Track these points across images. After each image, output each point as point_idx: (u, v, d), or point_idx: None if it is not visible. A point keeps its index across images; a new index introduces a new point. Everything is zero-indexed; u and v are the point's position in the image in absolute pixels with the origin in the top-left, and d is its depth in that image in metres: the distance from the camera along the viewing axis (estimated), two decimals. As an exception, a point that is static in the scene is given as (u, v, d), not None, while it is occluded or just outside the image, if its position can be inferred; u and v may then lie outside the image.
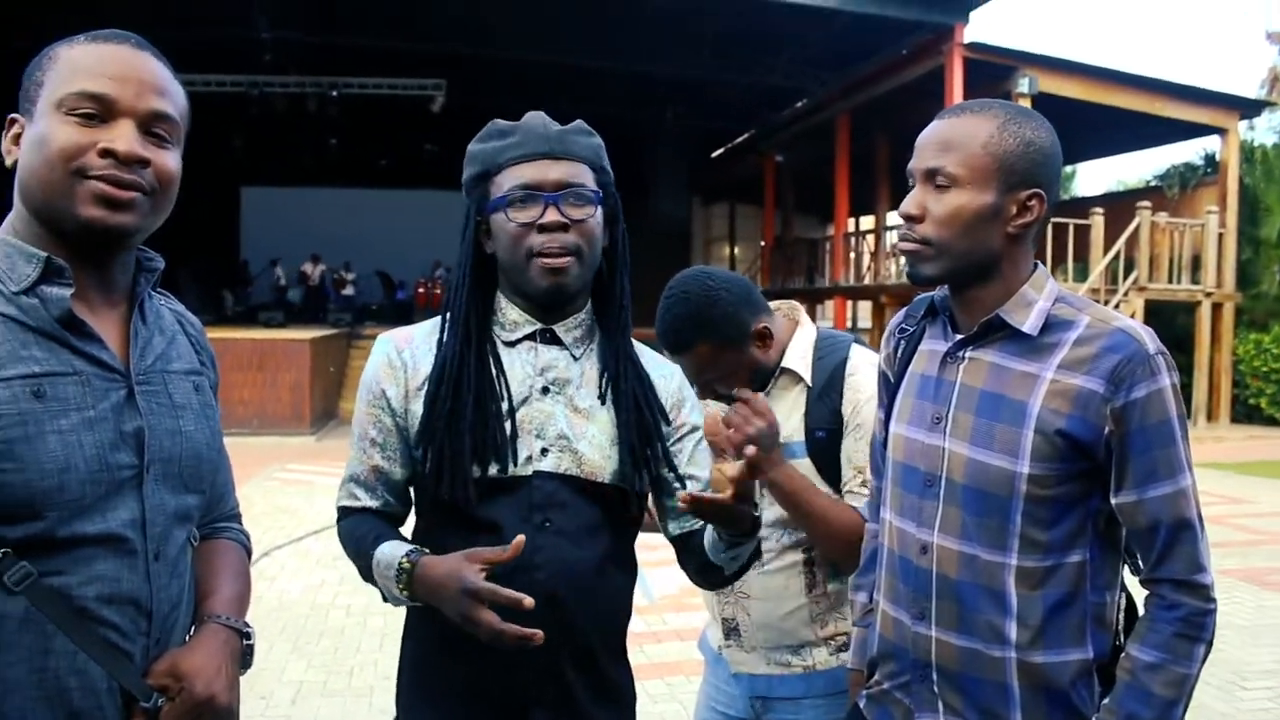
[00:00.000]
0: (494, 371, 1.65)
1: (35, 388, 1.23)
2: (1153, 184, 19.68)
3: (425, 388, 1.66)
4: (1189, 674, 1.45)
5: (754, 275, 23.86)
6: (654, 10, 15.24)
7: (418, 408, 1.66)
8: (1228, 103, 16.29)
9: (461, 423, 1.60)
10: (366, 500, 1.70)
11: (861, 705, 1.74)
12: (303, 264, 23.69)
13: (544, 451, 1.63)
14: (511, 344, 1.69)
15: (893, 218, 19.93)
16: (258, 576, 1.61)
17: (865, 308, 22.73)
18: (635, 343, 1.77)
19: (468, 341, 1.65)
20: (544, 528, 1.60)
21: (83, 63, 1.30)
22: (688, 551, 1.77)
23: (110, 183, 1.27)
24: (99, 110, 1.28)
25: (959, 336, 1.61)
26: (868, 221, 21.94)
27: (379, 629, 5.50)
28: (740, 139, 23.17)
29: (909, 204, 1.57)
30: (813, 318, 2.23)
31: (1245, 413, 15.79)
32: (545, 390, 1.66)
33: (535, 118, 1.70)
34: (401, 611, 1.72)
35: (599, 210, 1.67)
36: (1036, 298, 1.56)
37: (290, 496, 9.42)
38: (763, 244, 25.14)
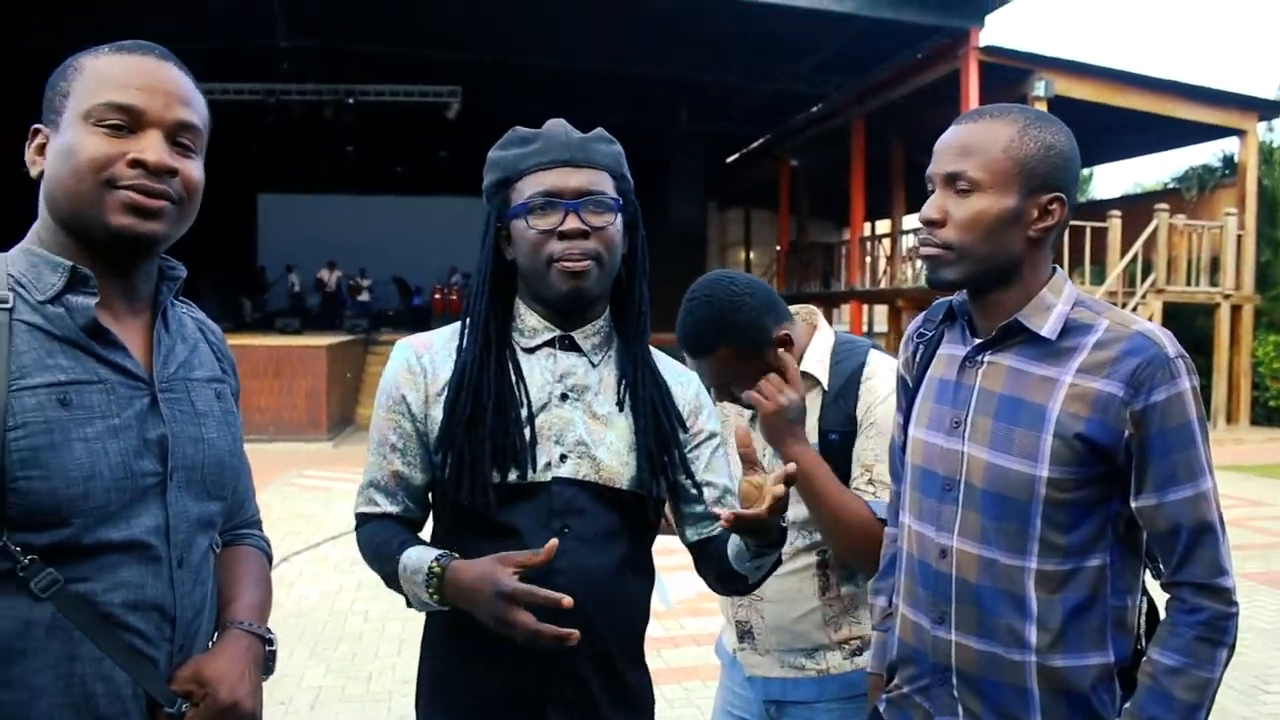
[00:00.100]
0: (513, 378, 1.66)
1: (61, 396, 1.24)
2: (1170, 186, 19.56)
3: (445, 393, 1.66)
4: (1211, 678, 1.45)
5: (769, 280, 23.77)
6: (670, 16, 15.25)
7: (437, 413, 1.66)
8: (1246, 104, 16.18)
9: (481, 428, 1.61)
10: (386, 506, 1.70)
11: (881, 709, 1.74)
12: (319, 271, 23.79)
13: (563, 458, 1.64)
14: (530, 350, 1.69)
15: (909, 222, 19.90)
16: (276, 582, 1.62)
17: (881, 312, 22.67)
18: (652, 349, 1.77)
19: (488, 347, 1.66)
20: (563, 533, 1.60)
21: (109, 74, 1.31)
22: (705, 557, 1.78)
23: (141, 192, 1.29)
24: (127, 121, 1.30)
25: (977, 341, 1.61)
26: (883, 226, 21.89)
27: (397, 634, 5.52)
28: (756, 144, 23.15)
29: (930, 209, 1.57)
30: (828, 322, 2.22)
31: (1265, 415, 15.66)
32: (564, 397, 1.67)
33: (556, 125, 1.71)
34: (420, 617, 1.73)
35: (619, 218, 1.67)
36: (1055, 301, 1.56)
37: (307, 503, 9.44)
38: (778, 249, 25.11)
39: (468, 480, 1.61)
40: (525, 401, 1.65)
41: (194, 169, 1.36)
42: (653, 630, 1.79)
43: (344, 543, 7.40)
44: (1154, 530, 1.49)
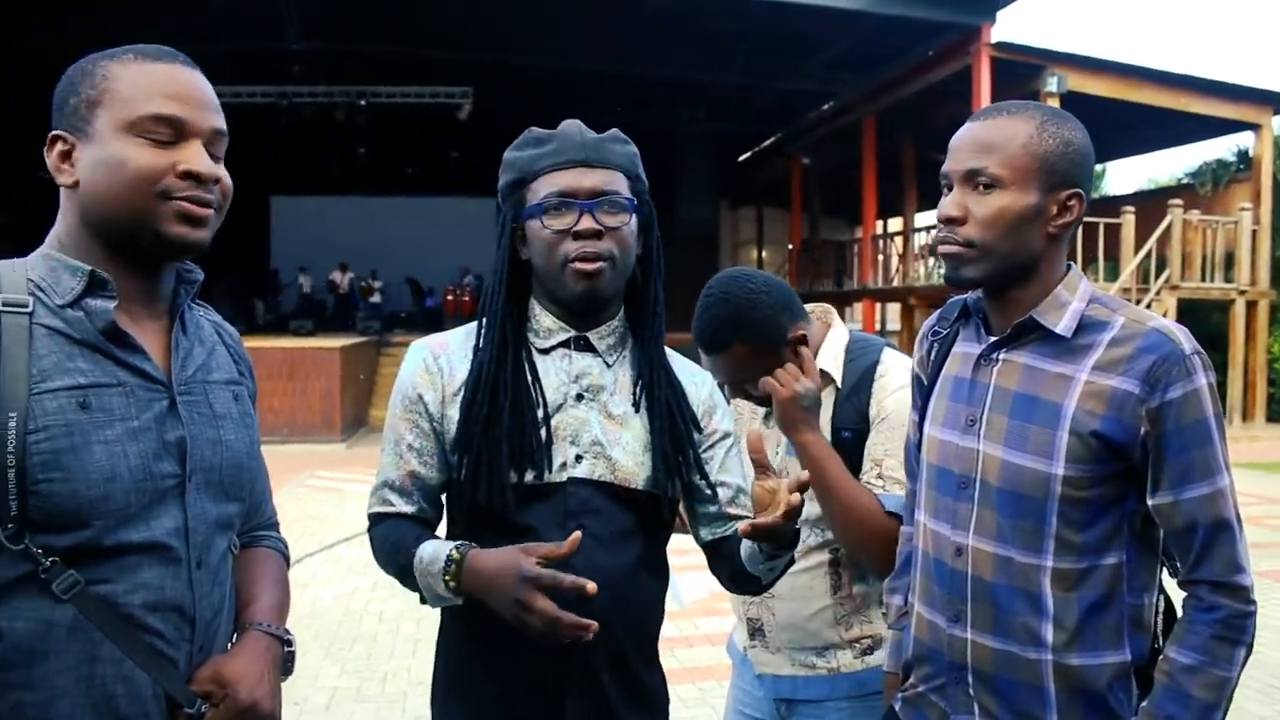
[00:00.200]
0: (529, 378, 1.67)
1: (81, 399, 1.25)
2: (1185, 181, 19.47)
3: (461, 394, 1.67)
4: (1229, 677, 1.44)
5: (782, 278, 23.76)
6: (680, 16, 15.25)
7: (454, 413, 1.67)
8: (1261, 98, 16.06)
9: (499, 428, 1.62)
10: (401, 505, 1.71)
11: (897, 708, 1.74)
12: (331, 272, 23.85)
13: (578, 458, 1.64)
14: (545, 351, 1.70)
15: (921, 219, 19.87)
16: (290, 584, 1.63)
17: (894, 310, 22.62)
18: (667, 349, 1.78)
19: (504, 347, 1.67)
20: None
21: (147, 84, 1.32)
22: (719, 558, 1.78)
23: (194, 202, 1.32)
24: (171, 133, 1.32)
25: (992, 339, 1.61)
26: (895, 223, 21.84)
27: (411, 635, 5.53)
28: (767, 143, 23.12)
29: (949, 206, 1.56)
30: (841, 321, 2.22)
31: (1281, 411, 15.59)
32: (579, 397, 1.67)
33: (572, 126, 1.71)
34: (434, 618, 1.73)
35: (633, 218, 1.68)
36: (1070, 299, 1.55)
37: (321, 504, 9.48)
38: (790, 247, 25.08)
39: (485, 480, 1.61)
40: (541, 402, 1.65)
41: (227, 175, 1.39)
42: (667, 630, 1.80)
43: (358, 544, 7.42)
44: (1170, 528, 1.48)
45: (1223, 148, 21.34)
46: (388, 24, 16.08)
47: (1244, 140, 17.52)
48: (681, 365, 1.82)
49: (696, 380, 1.82)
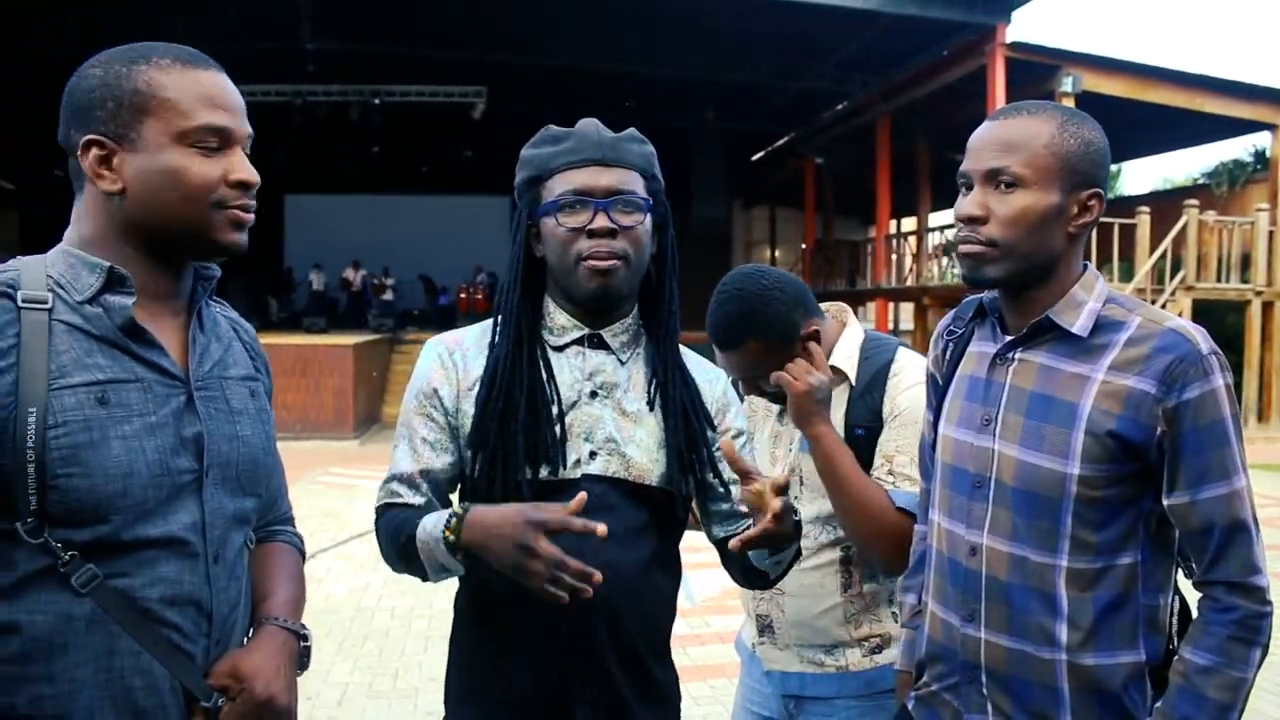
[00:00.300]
0: (544, 375, 1.67)
1: (100, 395, 1.26)
2: (1201, 182, 19.37)
3: (476, 388, 1.68)
4: (1244, 678, 1.44)
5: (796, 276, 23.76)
6: (694, 16, 15.25)
7: (469, 407, 1.68)
8: (1278, 98, 15.97)
9: (514, 424, 1.62)
10: (410, 498, 1.69)
11: (910, 707, 1.74)
12: (344, 270, 23.92)
13: (592, 455, 1.65)
14: (560, 349, 1.70)
15: (935, 219, 19.81)
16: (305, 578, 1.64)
17: (907, 310, 22.60)
18: (681, 347, 1.78)
19: (519, 343, 1.67)
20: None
21: (196, 93, 1.33)
22: (731, 554, 1.78)
23: (244, 210, 1.36)
24: (219, 141, 1.34)
25: (1008, 338, 1.61)
26: (909, 223, 21.79)
27: (423, 631, 5.55)
28: (780, 142, 23.11)
29: (971, 205, 1.55)
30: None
31: (1297, 413, 15.48)
32: (594, 394, 1.68)
33: (589, 124, 1.72)
34: (447, 615, 1.73)
35: (648, 218, 1.68)
36: (1086, 299, 1.55)
37: (334, 500, 9.52)
38: (803, 247, 25.05)
39: (500, 476, 1.62)
40: (556, 399, 1.66)
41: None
42: (678, 628, 1.80)
43: (370, 540, 7.41)
44: (1186, 528, 1.48)
45: (1239, 148, 21.26)
46: (402, 23, 16.13)
47: (1261, 140, 17.45)
48: (695, 362, 1.82)
49: (710, 377, 1.82)
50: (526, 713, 1.64)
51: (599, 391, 1.68)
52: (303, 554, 1.65)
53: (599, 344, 1.71)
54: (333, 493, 9.95)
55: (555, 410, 1.65)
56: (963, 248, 1.57)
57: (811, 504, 2.06)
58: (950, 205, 1.61)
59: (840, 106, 19.73)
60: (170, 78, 1.32)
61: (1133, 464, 1.48)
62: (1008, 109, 1.58)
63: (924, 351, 1.96)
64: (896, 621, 2.05)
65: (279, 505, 1.63)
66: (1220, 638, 1.44)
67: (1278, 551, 7.31)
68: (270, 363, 1.61)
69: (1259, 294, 14.81)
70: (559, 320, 1.71)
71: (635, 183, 1.67)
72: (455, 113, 18.38)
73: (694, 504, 1.79)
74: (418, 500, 1.70)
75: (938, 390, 1.75)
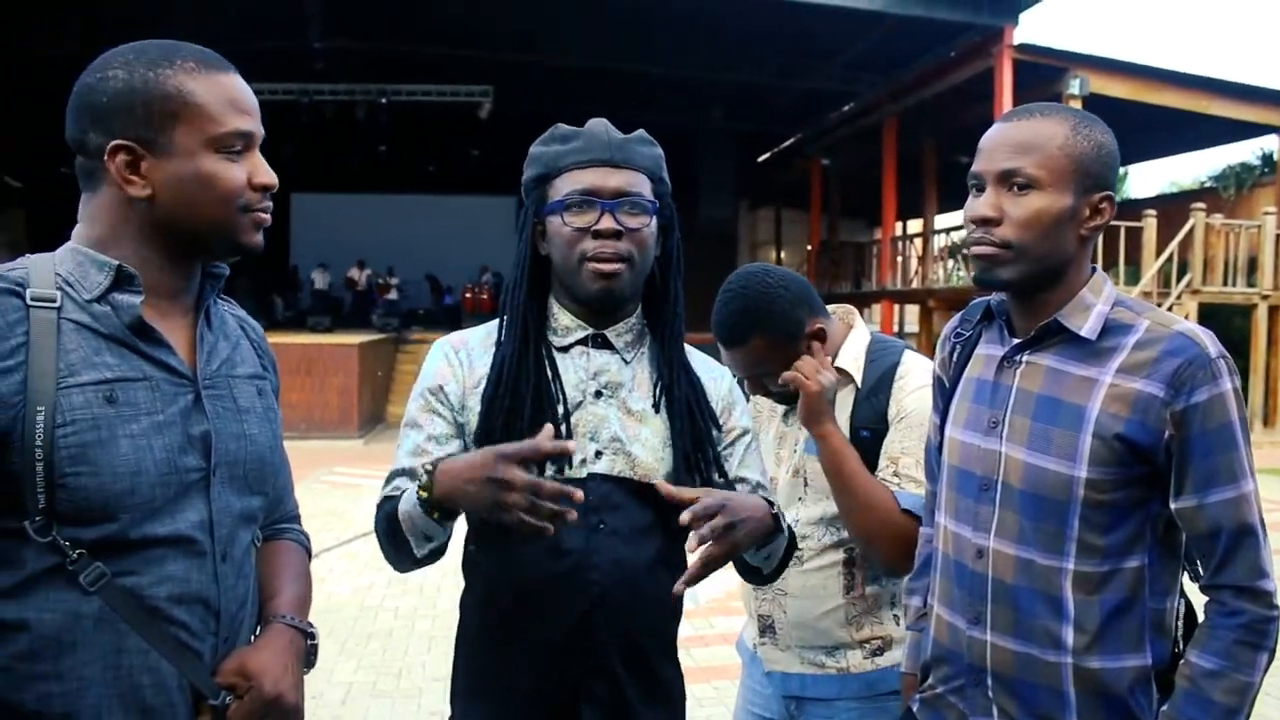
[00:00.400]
0: (550, 374, 1.67)
1: (108, 393, 1.26)
2: (1207, 185, 19.33)
3: (482, 386, 1.68)
4: (1251, 682, 1.43)
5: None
6: (700, 15, 15.25)
7: (475, 403, 1.68)
8: (1285, 101, 15.95)
9: (520, 422, 1.62)
10: None
11: (915, 709, 1.73)
12: (349, 269, 23.93)
13: (598, 454, 1.65)
14: (564, 349, 1.71)
15: (941, 221, 19.77)
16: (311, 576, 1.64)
17: (912, 312, 22.56)
18: (685, 346, 1.78)
19: (525, 342, 1.68)
20: (598, 529, 1.62)
21: (223, 98, 1.34)
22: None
23: (265, 212, 1.38)
24: (243, 145, 1.36)
25: (1016, 341, 1.60)
26: (915, 225, 21.76)
27: (426, 631, 5.55)
28: (787, 143, 23.08)
29: (984, 206, 1.54)
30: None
31: (1304, 418, 15.43)
32: (598, 394, 1.68)
33: (598, 124, 1.72)
34: (450, 614, 1.73)
35: (654, 220, 1.69)
36: (1095, 301, 1.55)
37: (338, 499, 9.52)
38: (809, 248, 25.04)
39: None
40: (561, 398, 1.66)
41: None
42: (682, 629, 1.80)
43: (374, 540, 7.44)
44: (1194, 532, 1.48)
45: (1246, 151, 21.17)
46: (409, 23, 16.14)
47: (1268, 144, 17.41)
48: (700, 361, 1.82)
49: (715, 376, 1.82)
50: (532, 711, 1.64)
51: (604, 391, 1.69)
52: (309, 552, 1.66)
53: (603, 344, 1.71)
54: (337, 492, 9.95)
55: (561, 410, 1.65)
56: (975, 249, 1.56)
57: (816, 505, 2.06)
58: (956, 207, 1.61)
59: (847, 107, 19.70)
60: (198, 83, 1.33)
61: (1140, 467, 1.47)
62: (1020, 110, 1.58)
63: (929, 354, 1.96)
64: (898, 624, 2.05)
65: (285, 503, 1.64)
66: (1227, 642, 1.44)
67: (1283, 556, 7.32)
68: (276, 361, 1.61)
69: (1265, 298, 14.75)
70: (563, 321, 1.72)
71: (643, 185, 1.68)
72: (462, 112, 18.39)
73: None
74: None
75: (944, 392, 1.75)
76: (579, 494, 1.40)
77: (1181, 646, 1.55)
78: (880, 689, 2.03)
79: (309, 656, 1.48)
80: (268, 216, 1.40)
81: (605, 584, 1.60)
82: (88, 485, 1.23)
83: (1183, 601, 1.59)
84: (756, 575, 1.78)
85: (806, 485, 2.08)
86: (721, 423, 1.78)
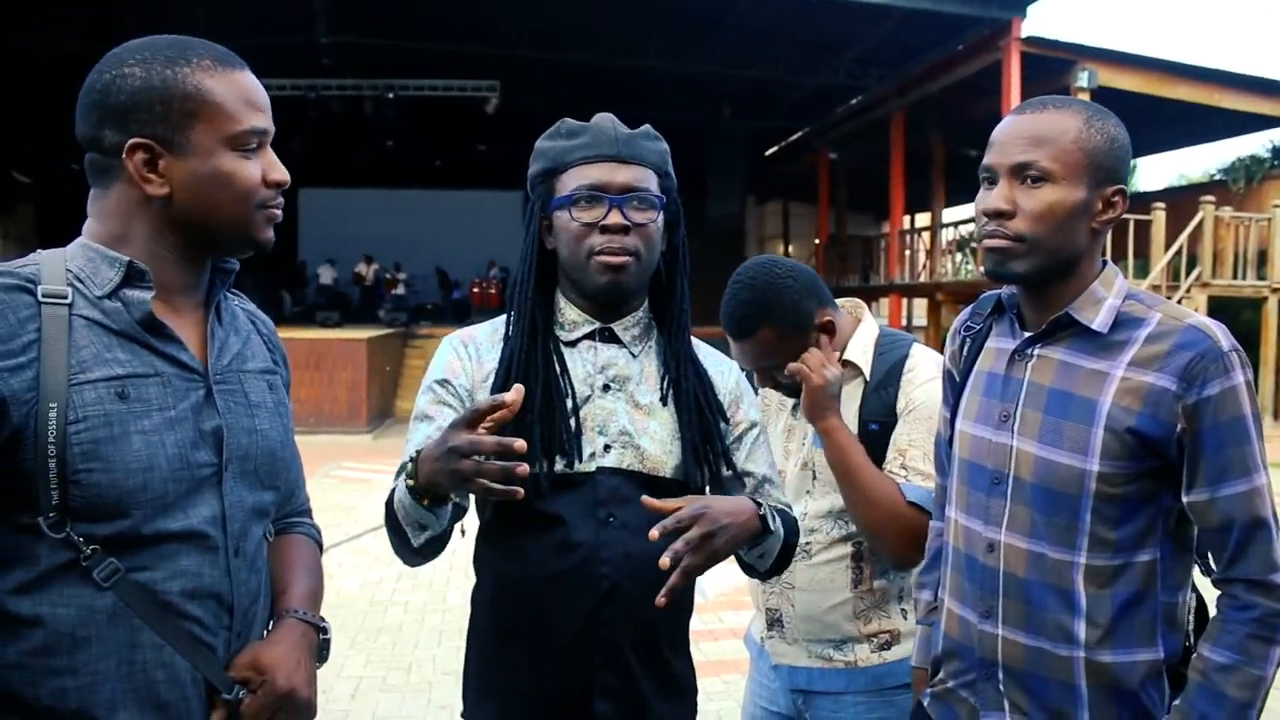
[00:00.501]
0: (558, 368, 1.68)
1: (120, 389, 1.27)
2: (1217, 178, 19.25)
3: (491, 379, 1.69)
4: (1263, 676, 1.43)
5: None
6: (707, 10, 15.23)
7: (484, 396, 1.68)
8: (1295, 93, 15.88)
9: (529, 416, 1.62)
10: None
11: (926, 704, 1.73)
12: (356, 265, 23.95)
13: (607, 448, 1.65)
14: (571, 343, 1.71)
15: (949, 215, 19.73)
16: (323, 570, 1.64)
17: (920, 305, 22.53)
18: (693, 339, 1.79)
19: (533, 337, 1.68)
20: (608, 523, 1.62)
21: (239, 96, 1.34)
22: None
23: (279, 208, 1.39)
24: (259, 143, 1.36)
25: (1027, 334, 1.60)
26: (923, 219, 21.71)
27: (436, 626, 5.56)
28: (794, 137, 23.06)
29: (997, 200, 1.53)
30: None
31: (1314, 411, 15.36)
32: (606, 388, 1.69)
33: (605, 120, 1.72)
34: (460, 609, 1.73)
35: (660, 215, 1.69)
36: (1106, 295, 1.54)
37: (347, 494, 9.54)
38: (816, 242, 25.00)
39: None
40: (570, 392, 1.67)
41: None
42: (691, 624, 1.80)
43: (383, 534, 7.44)
44: (1206, 526, 1.47)
45: (1256, 144, 21.11)
46: (416, 18, 16.13)
47: (1278, 136, 17.30)
48: (707, 354, 1.83)
49: (723, 369, 1.83)
50: (545, 704, 1.65)
51: (611, 385, 1.69)
52: (320, 545, 1.66)
53: (610, 338, 1.72)
54: (346, 487, 9.98)
55: (570, 404, 1.66)
56: (988, 242, 1.55)
57: (824, 498, 2.06)
58: (964, 201, 1.60)
59: (855, 101, 19.66)
60: (216, 81, 1.33)
61: (1152, 461, 1.47)
62: (1032, 103, 1.57)
63: (937, 348, 1.95)
64: (906, 618, 2.05)
65: (297, 497, 1.64)
66: (1239, 635, 1.43)
67: (1294, 549, 7.29)
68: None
69: (1275, 290, 14.69)
70: (570, 315, 1.72)
71: (649, 180, 1.68)
72: (469, 107, 18.38)
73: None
74: None
75: (955, 386, 1.74)
76: (519, 443, 1.34)
77: (1193, 640, 1.55)
78: (888, 683, 2.03)
79: (321, 651, 1.49)
80: (280, 212, 1.40)
81: (616, 577, 1.61)
82: (100, 481, 1.23)
83: (1194, 595, 1.59)
84: (753, 572, 1.79)
85: (815, 478, 2.08)
86: (729, 415, 1.78)
